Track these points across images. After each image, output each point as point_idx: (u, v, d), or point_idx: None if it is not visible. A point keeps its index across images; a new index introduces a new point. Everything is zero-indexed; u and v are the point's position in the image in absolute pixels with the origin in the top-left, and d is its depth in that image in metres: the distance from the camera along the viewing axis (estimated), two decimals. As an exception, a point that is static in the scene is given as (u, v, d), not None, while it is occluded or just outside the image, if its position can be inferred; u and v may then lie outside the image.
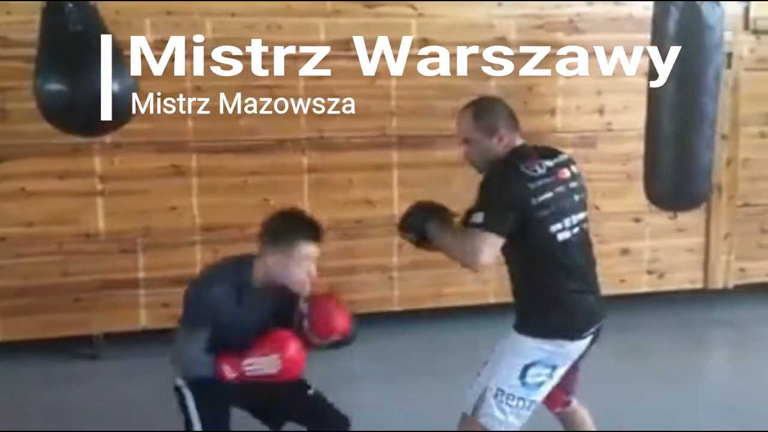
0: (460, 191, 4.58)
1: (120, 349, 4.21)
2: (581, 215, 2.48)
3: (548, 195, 2.38)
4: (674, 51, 3.76)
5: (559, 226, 2.39)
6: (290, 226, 2.46)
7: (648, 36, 4.07)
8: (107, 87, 2.78)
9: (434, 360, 4.16)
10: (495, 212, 2.34)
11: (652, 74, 3.95)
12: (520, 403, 2.41)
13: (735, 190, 4.93)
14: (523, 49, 4.47)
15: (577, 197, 2.48)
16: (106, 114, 2.83)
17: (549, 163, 2.44)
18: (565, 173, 2.47)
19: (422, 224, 2.56)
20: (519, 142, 2.52)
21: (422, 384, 3.82)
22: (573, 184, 2.48)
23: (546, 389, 2.45)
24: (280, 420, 2.68)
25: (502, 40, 4.45)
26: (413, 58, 4.35)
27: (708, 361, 4.49)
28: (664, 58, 3.82)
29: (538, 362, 2.40)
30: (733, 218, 4.95)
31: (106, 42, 2.85)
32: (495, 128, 2.48)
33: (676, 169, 3.81)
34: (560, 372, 2.46)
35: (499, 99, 2.66)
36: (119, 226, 4.12)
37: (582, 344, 2.47)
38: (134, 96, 3.00)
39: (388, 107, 4.37)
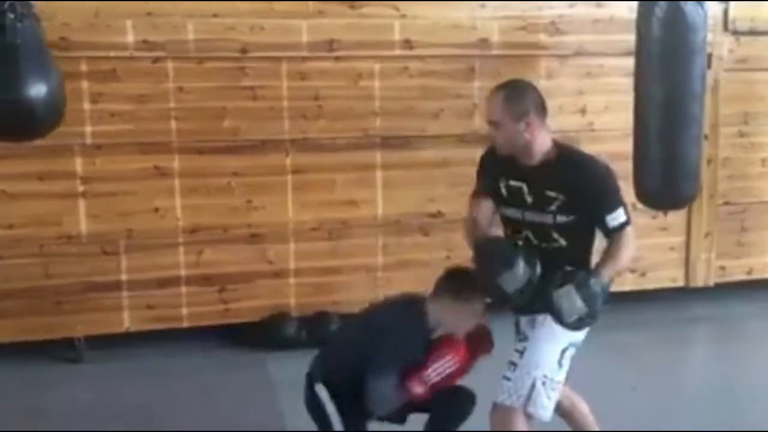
0: (443, 192, 4.67)
1: (103, 352, 4.16)
2: None
3: None
4: (659, 52, 3.81)
5: None
6: (474, 285, 2.57)
7: (629, 37, 4.11)
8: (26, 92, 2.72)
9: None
10: (624, 202, 2.48)
11: (638, 75, 3.99)
12: (559, 386, 2.48)
13: (715, 189, 4.96)
14: (506, 51, 4.48)
15: None
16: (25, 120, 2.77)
17: None
18: None
19: (599, 290, 2.39)
20: (548, 134, 2.51)
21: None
22: None
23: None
24: (405, 414, 2.79)
25: (484, 42, 4.45)
26: (397, 59, 4.35)
27: (689, 358, 4.51)
28: (648, 60, 3.86)
29: (572, 344, 2.48)
30: (714, 217, 4.99)
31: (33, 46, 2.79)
32: (525, 114, 2.43)
33: (664, 169, 3.87)
34: None
35: (531, 84, 2.59)
36: (101, 227, 4.07)
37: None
38: (59, 101, 2.92)
39: (372, 108, 4.36)
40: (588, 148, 4.58)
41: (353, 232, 4.44)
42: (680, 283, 5.01)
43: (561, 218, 2.44)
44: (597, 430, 2.83)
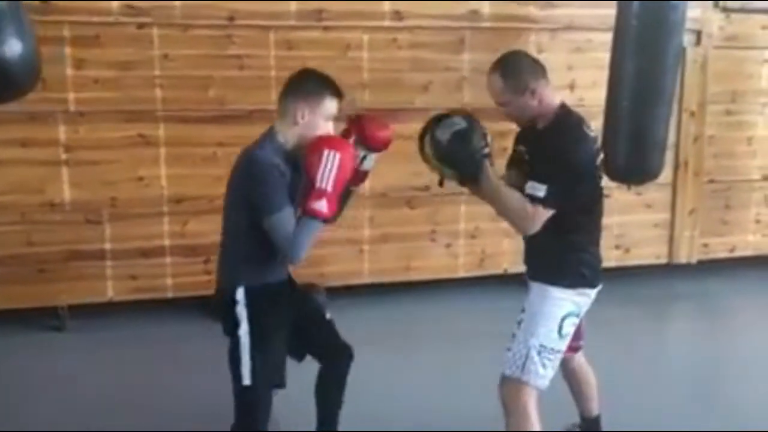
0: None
1: (86, 321, 4.14)
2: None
3: (600, 156, 2.46)
4: (635, 28, 3.80)
5: (602, 183, 2.51)
6: (318, 83, 2.47)
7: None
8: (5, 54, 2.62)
9: (403, 332, 4.17)
10: (559, 187, 2.33)
11: (614, 50, 3.97)
12: (558, 355, 2.49)
13: (701, 166, 4.98)
14: (496, 23, 4.44)
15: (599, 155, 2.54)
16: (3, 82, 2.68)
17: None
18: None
19: (475, 162, 2.37)
20: (557, 96, 2.48)
21: (391, 355, 3.83)
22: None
23: (570, 337, 2.53)
24: (303, 349, 2.71)
25: (475, 14, 4.41)
26: (386, 30, 4.29)
27: (671, 334, 4.57)
28: (626, 35, 3.84)
29: (571, 313, 2.48)
30: (699, 194, 5.01)
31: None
32: (526, 85, 2.42)
33: (630, 145, 3.88)
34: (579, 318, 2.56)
35: (523, 52, 2.58)
36: (85, 196, 4.02)
37: (596, 291, 2.56)
38: (36, 64, 2.82)
39: (360, 79, 4.31)
40: None
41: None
42: (664, 260, 5.05)
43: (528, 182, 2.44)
44: (595, 411, 2.87)
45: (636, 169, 3.93)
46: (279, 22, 4.12)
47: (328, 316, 2.76)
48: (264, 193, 2.34)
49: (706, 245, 5.09)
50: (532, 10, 4.51)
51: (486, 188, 2.40)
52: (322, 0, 4.16)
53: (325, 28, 4.20)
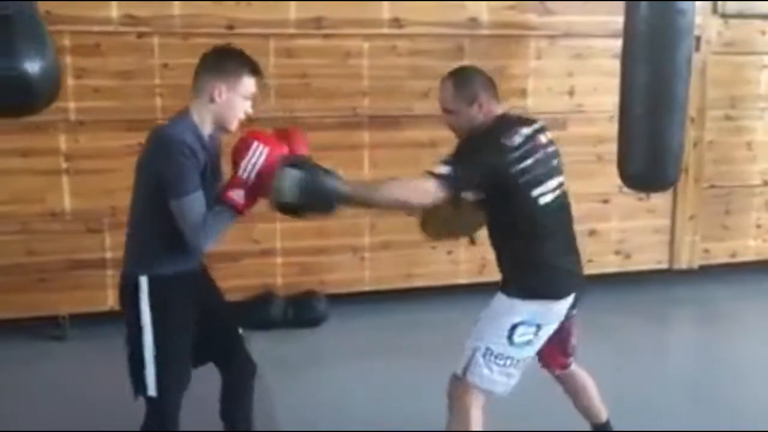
0: None
1: (86, 330, 4.14)
2: (560, 179, 2.56)
3: (529, 162, 2.43)
4: (646, 33, 3.81)
5: (541, 189, 2.47)
6: (235, 60, 2.33)
7: (618, 18, 4.09)
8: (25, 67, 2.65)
9: (404, 340, 4.17)
10: (460, 169, 2.35)
11: (624, 56, 3.99)
12: (508, 361, 2.47)
13: (701, 172, 4.99)
14: (495, 31, 4.46)
15: (554, 161, 2.55)
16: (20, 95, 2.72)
17: (527, 130, 2.48)
18: (542, 139, 2.53)
19: (329, 189, 2.30)
20: (500, 110, 2.55)
21: (392, 363, 3.83)
22: (550, 149, 2.54)
23: (534, 348, 2.52)
24: (205, 356, 2.50)
25: (473, 21, 4.43)
26: (385, 37, 4.31)
27: (672, 339, 4.56)
28: (636, 41, 3.85)
29: (524, 322, 2.47)
30: (699, 200, 5.02)
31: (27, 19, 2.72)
32: (475, 97, 2.50)
33: (647, 152, 3.87)
34: (547, 331, 2.52)
35: (478, 68, 2.65)
36: (85, 205, 4.03)
37: (563, 305, 2.53)
38: (55, 77, 2.87)
39: (360, 87, 4.33)
40: (576, 130, 4.75)
41: (340, 212, 4.37)
42: (664, 265, 5.06)
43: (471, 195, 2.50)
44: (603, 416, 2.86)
45: (652, 176, 3.92)
46: (278, 30, 4.14)
47: (240, 330, 2.58)
48: (172, 173, 2.19)
49: (707, 250, 5.09)
50: (531, 17, 4.53)
51: (358, 202, 2.43)
52: (323, 2, 4.17)
53: (325, 36, 4.21)
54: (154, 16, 3.96)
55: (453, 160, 2.38)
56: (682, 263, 5.07)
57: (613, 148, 4.02)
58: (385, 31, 4.30)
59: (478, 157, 2.40)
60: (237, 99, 2.32)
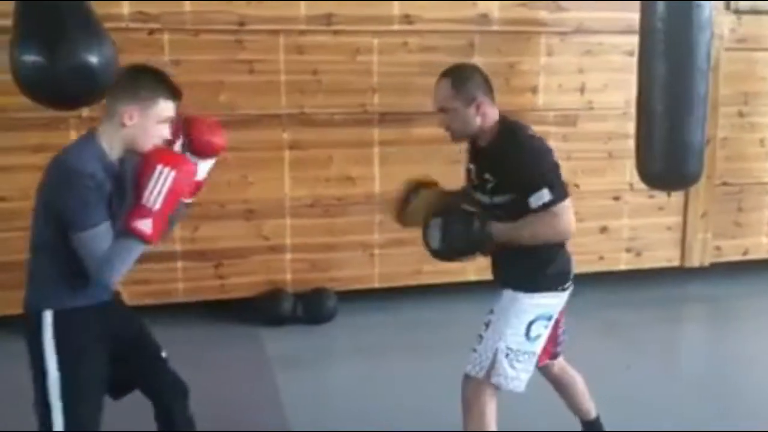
0: (440, 169, 4.60)
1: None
2: None
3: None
4: (661, 30, 3.78)
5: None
6: (151, 81, 2.14)
7: (629, 15, 4.09)
8: (86, 59, 2.71)
9: (413, 337, 4.17)
10: (552, 181, 2.38)
11: (641, 53, 3.96)
12: (527, 357, 2.48)
13: (713, 169, 4.94)
14: (506, 27, 4.45)
15: None
16: (84, 86, 2.77)
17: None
18: None
19: (478, 244, 2.42)
20: (496, 112, 2.50)
21: (402, 360, 3.83)
22: None
23: (544, 340, 2.53)
24: (127, 386, 2.38)
25: (484, 17, 4.42)
26: (396, 33, 4.31)
27: (684, 337, 4.54)
28: (653, 38, 3.82)
29: (540, 316, 2.48)
30: (711, 197, 4.99)
31: (84, 13, 2.78)
32: (474, 97, 2.45)
33: (668, 150, 3.83)
34: (554, 321, 2.54)
35: (476, 66, 2.61)
36: (96, 201, 4.04)
37: (567, 293, 2.55)
38: (113, 68, 2.93)
39: (370, 83, 4.33)
40: (587, 126, 4.73)
41: (349, 209, 4.44)
42: (676, 263, 5.04)
43: (497, 199, 2.47)
44: (593, 413, 2.84)
45: (673, 174, 3.89)
46: (289, 27, 4.15)
47: (164, 354, 2.41)
48: (74, 206, 2.04)
49: (718, 248, 5.07)
50: (542, 13, 4.51)
51: (504, 241, 2.44)
52: (332, 0, 4.17)
53: (335, 32, 4.21)
54: (164, 13, 3.98)
55: (544, 179, 2.37)
56: (694, 261, 5.05)
57: (624, 145, 4.00)
58: (396, 27, 4.30)
59: (549, 161, 2.41)
60: (151, 124, 2.12)
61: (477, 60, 4.45)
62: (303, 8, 4.16)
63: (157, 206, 2.07)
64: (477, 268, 4.76)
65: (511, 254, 2.52)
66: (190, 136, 2.31)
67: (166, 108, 2.15)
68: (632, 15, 3.98)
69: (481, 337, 2.52)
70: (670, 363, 3.96)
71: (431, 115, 4.40)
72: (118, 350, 2.25)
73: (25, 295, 2.19)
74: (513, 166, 2.41)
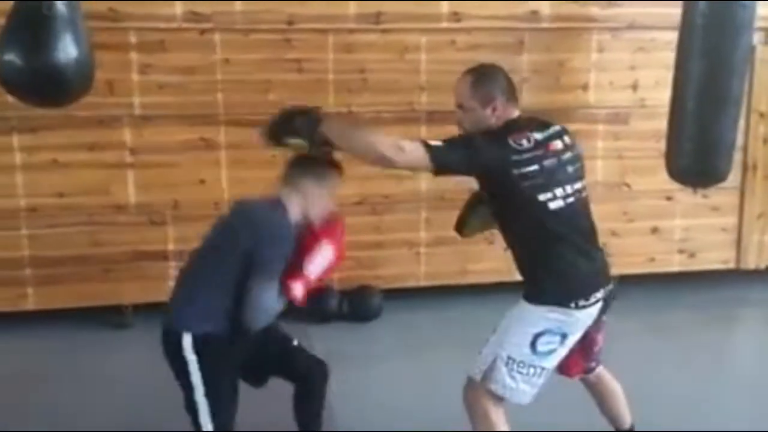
0: None
1: (149, 318, 4.25)
2: (577, 185, 2.47)
3: (534, 167, 2.36)
4: (701, 27, 3.71)
5: (549, 195, 2.39)
6: (327, 162, 2.55)
7: (680, 10, 4.00)
8: (60, 59, 2.71)
9: (458, 335, 4.15)
10: (453, 149, 2.33)
11: (680, 50, 3.89)
12: (532, 370, 2.43)
13: (770, 169, 4.84)
14: (556, 24, 4.41)
15: (570, 168, 2.46)
16: (59, 85, 2.78)
17: (538, 136, 2.42)
18: (557, 145, 2.45)
19: (312, 126, 2.39)
20: (515, 113, 2.49)
21: (446, 359, 3.81)
22: (566, 156, 2.46)
23: (558, 356, 2.46)
24: (265, 377, 2.71)
25: (534, 14, 4.38)
26: (444, 31, 4.30)
27: (738, 341, 4.43)
28: (692, 35, 3.76)
29: (547, 331, 2.41)
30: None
31: (60, 12, 2.78)
32: (492, 98, 2.46)
33: (697, 146, 3.74)
34: (572, 339, 2.46)
35: (501, 68, 2.59)
36: (149, 198, 4.15)
37: (591, 311, 2.45)
38: (90, 69, 2.87)
39: (418, 82, 4.33)
40: (639, 124, 4.66)
41: (396, 207, 4.45)
42: (731, 265, 4.92)
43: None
44: (628, 422, 2.79)
45: (701, 171, 3.79)
46: (337, 25, 4.18)
47: (295, 342, 2.73)
48: (273, 257, 2.35)
49: (775, 250, 4.93)
50: (594, 9, 4.45)
51: (335, 136, 2.39)
52: (381, 0, 4.20)
53: (383, 31, 4.23)
54: (216, 13, 4.04)
55: (450, 140, 2.37)
56: (750, 263, 4.93)
57: (676, 143, 3.94)
58: (444, 25, 4.30)
59: (477, 145, 2.35)
60: (324, 198, 2.53)
61: (526, 58, 4.46)
62: (352, 7, 4.19)
63: (313, 277, 2.41)
64: None
65: (521, 265, 2.50)
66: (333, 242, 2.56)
67: (334, 184, 2.56)
68: None
69: (487, 340, 2.50)
70: (723, 367, 3.87)
71: (479, 114, 4.50)
72: (254, 351, 2.58)
73: (172, 309, 2.52)
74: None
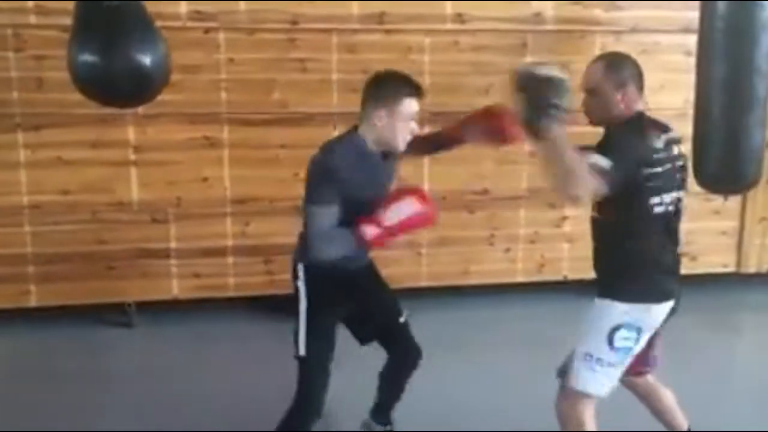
0: (490, 169, 4.64)
1: (152, 317, 4.29)
2: (679, 193, 2.50)
3: (659, 169, 2.39)
4: (721, 30, 3.69)
5: (657, 200, 2.42)
6: (395, 85, 2.56)
7: (687, 13, 4.01)
8: (140, 59, 2.77)
9: (460, 337, 4.16)
10: (619, 166, 2.29)
11: (700, 54, 3.88)
12: (608, 366, 2.46)
13: (773, 173, 4.83)
14: (559, 26, 4.42)
15: (678, 176, 2.49)
16: (139, 86, 2.84)
17: (666, 137, 2.44)
18: (675, 150, 2.47)
19: (550, 112, 2.15)
20: (640, 106, 2.50)
21: (447, 360, 3.82)
22: (679, 163, 2.49)
23: (633, 353, 2.49)
24: (368, 337, 2.87)
25: (538, 16, 4.39)
26: (448, 32, 4.31)
27: (736, 345, 4.43)
28: (712, 38, 3.74)
29: (623, 325, 2.45)
30: (770, 202, 4.87)
31: (139, 14, 2.85)
32: (624, 84, 2.46)
33: (724, 152, 3.73)
34: (646, 337, 2.50)
35: (632, 58, 2.60)
36: (152, 196, 4.16)
37: (663, 310, 2.49)
38: (166, 69, 2.99)
39: (421, 83, 4.23)
40: None
41: None
42: (731, 269, 4.93)
43: None
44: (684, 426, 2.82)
45: (730, 178, 3.74)
46: (341, 26, 4.19)
47: (402, 319, 2.88)
48: (312, 184, 2.47)
49: (776, 254, 4.93)
50: (597, 11, 4.46)
51: (553, 139, 2.19)
52: (385, 1, 4.20)
53: (387, 31, 4.24)
54: (220, 12, 4.05)
55: (611, 154, 2.30)
56: (750, 267, 4.93)
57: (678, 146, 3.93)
58: (448, 26, 4.30)
59: (632, 151, 2.34)
60: (397, 123, 2.52)
61: (530, 59, 4.42)
62: (356, 7, 4.19)
63: (388, 224, 2.47)
64: (525, 269, 4.79)
65: (608, 261, 2.53)
66: (490, 125, 2.70)
67: (409, 106, 2.53)
68: (690, 14, 3.89)
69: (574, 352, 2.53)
70: (722, 373, 3.88)
71: (482, 116, 4.48)
72: (363, 308, 2.77)
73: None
74: (605, 136, 2.42)
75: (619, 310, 2.45)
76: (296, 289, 2.66)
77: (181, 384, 3.58)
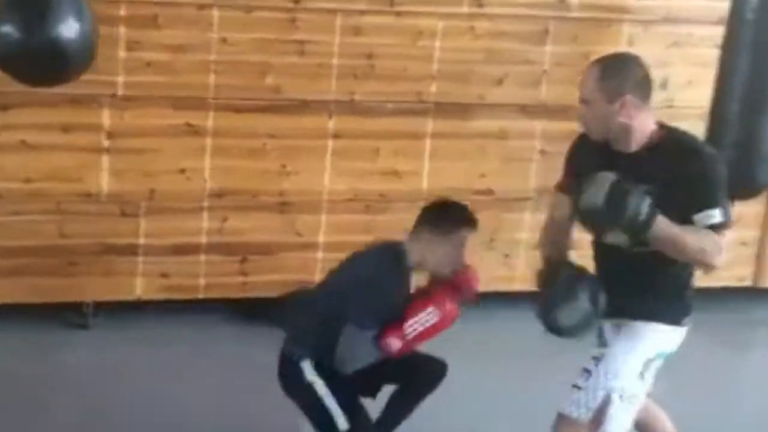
0: (495, 167, 5.52)
1: (111, 319, 5.12)
2: None
3: None
4: (751, 23, 4.64)
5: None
6: (455, 219, 3.51)
7: (721, 3, 4.92)
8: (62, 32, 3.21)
9: (452, 345, 4.45)
10: (726, 206, 2.86)
11: (726, 47, 4.76)
12: (636, 401, 2.99)
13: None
14: (585, 13, 5.36)
15: None
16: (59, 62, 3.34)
17: None
18: None
19: (642, 223, 2.76)
20: (650, 118, 2.95)
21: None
22: None
23: (651, 382, 3.07)
24: (379, 386, 3.71)
25: (562, 2, 5.32)
26: (463, 17, 5.21)
27: (753, 365, 5.46)
28: (740, 31, 4.70)
29: (659, 354, 3.00)
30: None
31: None
32: (620, 93, 2.86)
33: (737, 154, 4.60)
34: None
35: (636, 58, 3.06)
36: (123, 186, 4.94)
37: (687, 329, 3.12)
38: (93, 44, 3.45)
39: (429, 70, 5.25)
40: None
41: (392, 206, 5.34)
42: (748, 283, 5.96)
43: None
44: None
45: (743, 181, 4.53)
46: (348, 6, 5.02)
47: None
48: (361, 309, 3.37)
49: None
50: (626, -1, 5.35)
51: (661, 238, 2.81)
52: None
53: (398, 14, 5.09)
54: (213, -11, 4.78)
55: (720, 199, 2.84)
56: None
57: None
58: (465, 10, 5.19)
59: (724, 178, 2.89)
60: (451, 252, 3.48)
61: (550, 49, 5.37)
62: (366, -15, 5.00)
63: (410, 337, 3.35)
64: (523, 277, 5.47)
65: (655, 283, 3.03)
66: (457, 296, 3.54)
67: (465, 237, 3.48)
68: (726, 5, 4.86)
69: (588, 372, 3.00)
70: (736, 394, 4.78)
71: (492, 107, 5.49)
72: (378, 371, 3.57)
73: (286, 342, 3.60)
74: (690, 175, 2.85)
75: (659, 336, 2.99)
76: (306, 384, 3.48)
77: (135, 391, 4.40)
